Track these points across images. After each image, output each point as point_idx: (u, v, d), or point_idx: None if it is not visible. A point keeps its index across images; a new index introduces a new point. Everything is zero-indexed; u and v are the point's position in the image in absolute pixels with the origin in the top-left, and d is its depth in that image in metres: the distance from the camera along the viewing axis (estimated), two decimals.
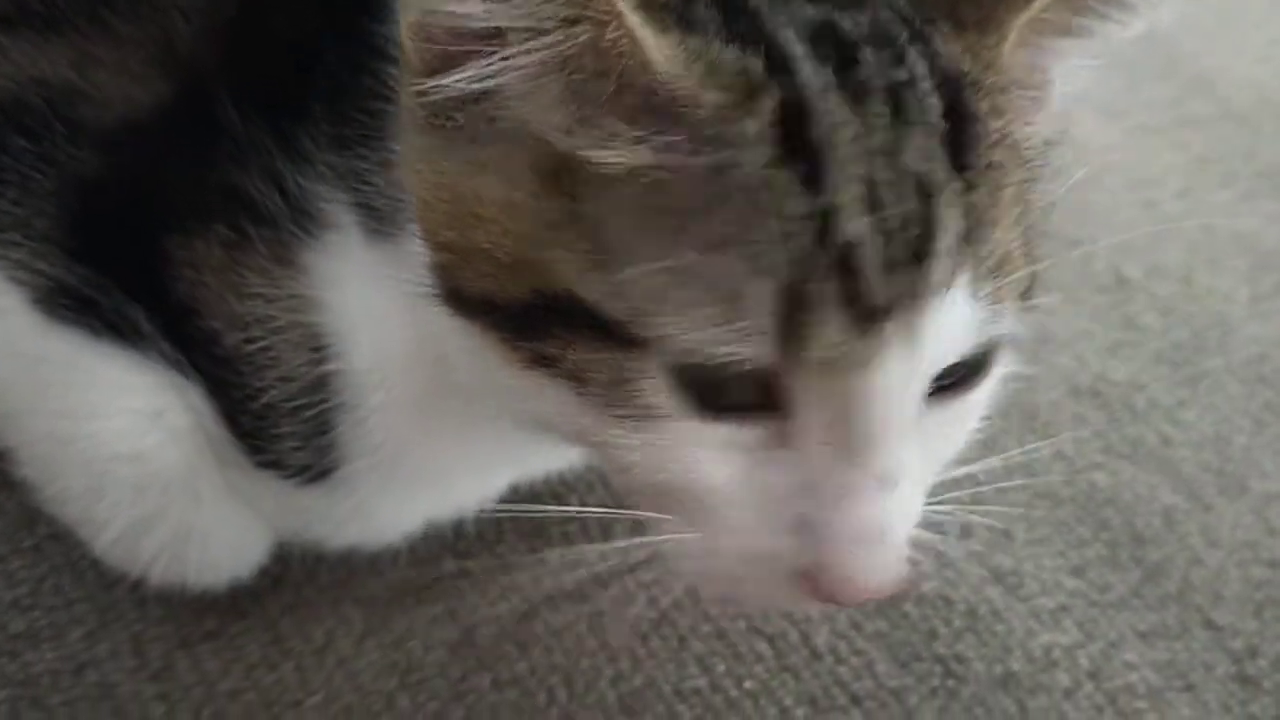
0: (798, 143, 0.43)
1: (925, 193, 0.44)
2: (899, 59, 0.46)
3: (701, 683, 0.74)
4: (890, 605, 0.79)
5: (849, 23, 0.47)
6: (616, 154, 0.44)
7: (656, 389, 0.46)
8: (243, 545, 0.69)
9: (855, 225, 0.43)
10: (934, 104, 0.45)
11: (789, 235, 0.43)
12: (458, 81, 0.45)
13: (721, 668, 0.75)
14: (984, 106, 0.46)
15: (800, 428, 0.46)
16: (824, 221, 0.43)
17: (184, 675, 0.69)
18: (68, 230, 0.61)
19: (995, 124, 0.46)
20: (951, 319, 0.45)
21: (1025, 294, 0.50)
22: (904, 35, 0.47)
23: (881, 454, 0.47)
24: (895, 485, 0.47)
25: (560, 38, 0.43)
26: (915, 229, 0.44)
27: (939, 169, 0.45)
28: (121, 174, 0.61)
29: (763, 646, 0.76)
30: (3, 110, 0.62)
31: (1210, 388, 0.96)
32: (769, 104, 0.44)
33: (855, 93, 0.44)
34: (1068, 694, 0.77)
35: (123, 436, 0.63)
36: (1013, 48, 0.47)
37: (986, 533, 0.84)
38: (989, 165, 0.46)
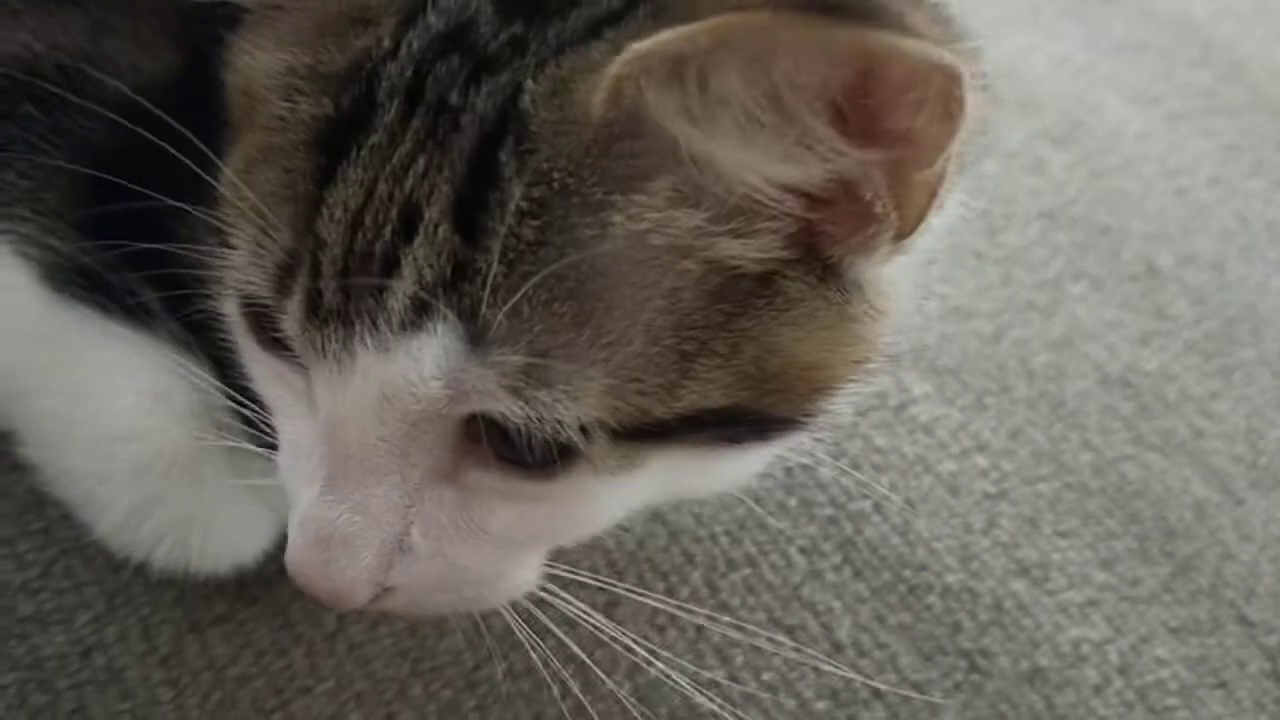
0: (331, 135, 0.44)
1: (409, 225, 0.42)
2: (471, 82, 0.43)
3: (719, 674, 0.72)
4: (914, 597, 0.78)
5: (483, 29, 0.44)
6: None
7: (233, 307, 0.49)
8: (249, 531, 0.67)
9: (326, 226, 0.43)
10: (462, 143, 0.42)
11: (297, 209, 0.44)
12: None
13: (740, 659, 0.73)
14: (523, 166, 0.41)
15: (314, 397, 0.46)
16: (316, 207, 0.43)
17: (193, 660, 0.68)
18: (78, 205, 0.60)
19: (535, 191, 0.41)
20: (420, 367, 0.42)
21: (636, 429, 0.44)
22: (507, 61, 0.43)
23: (335, 464, 0.46)
24: (358, 505, 0.46)
25: None
26: (380, 256, 0.42)
27: (432, 209, 0.42)
28: (130, 146, 0.60)
29: (783, 638, 0.74)
30: (13, 78, 0.61)
31: (1243, 379, 0.94)
32: (334, 97, 0.44)
33: (410, 101, 0.43)
34: (1097, 690, 0.75)
35: (127, 417, 0.62)
36: (605, 106, 0.40)
37: (1012, 524, 0.83)
38: (507, 234, 0.41)
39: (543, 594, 0.58)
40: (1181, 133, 1.16)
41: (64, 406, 0.64)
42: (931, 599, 0.78)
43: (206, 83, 0.56)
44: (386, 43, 0.44)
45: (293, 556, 0.48)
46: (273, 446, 0.58)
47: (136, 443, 0.62)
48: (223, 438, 0.63)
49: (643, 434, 0.45)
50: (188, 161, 0.56)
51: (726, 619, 0.75)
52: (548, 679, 0.69)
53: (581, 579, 0.61)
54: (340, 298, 0.43)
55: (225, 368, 0.60)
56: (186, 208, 0.57)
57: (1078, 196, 1.05)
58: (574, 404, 0.42)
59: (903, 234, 0.44)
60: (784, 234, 0.44)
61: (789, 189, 0.42)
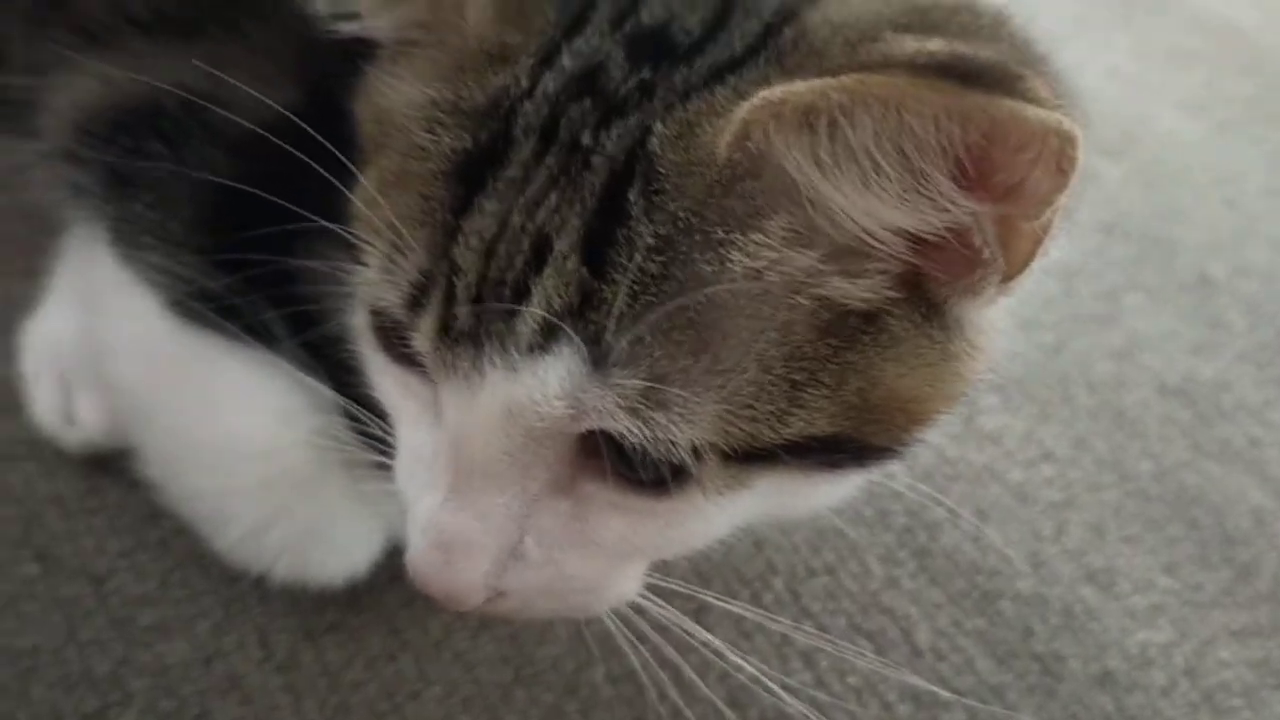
0: (469, 167, 0.47)
1: (540, 255, 0.45)
2: (603, 125, 0.45)
3: (806, 677, 0.76)
4: (987, 603, 0.81)
5: (613, 73, 0.46)
6: None
7: (364, 321, 0.52)
8: (361, 542, 0.70)
9: (462, 253, 0.46)
10: (593, 181, 0.45)
11: (433, 232, 0.47)
12: None
13: (824, 663, 0.76)
14: (650, 205, 0.44)
15: (441, 410, 0.49)
16: (452, 235, 0.46)
17: (309, 667, 0.71)
18: (203, 233, 0.63)
19: (661, 228, 0.44)
20: (545, 387, 0.44)
21: (745, 452, 0.47)
22: (636, 104, 0.45)
23: (459, 473, 0.48)
24: (480, 513, 0.48)
25: None
26: (512, 283, 0.45)
27: (563, 242, 0.44)
28: (254, 179, 0.63)
29: (864, 643, 0.78)
30: (140, 113, 0.64)
31: None
32: (473, 132, 0.47)
33: (544, 140, 0.46)
34: (1164, 692, 0.78)
35: (252, 436, 0.65)
36: (731, 148, 0.43)
37: (1080, 531, 0.86)
38: (634, 268, 0.43)
39: (638, 600, 0.60)
40: (1231, 142, 1.18)
41: (190, 426, 0.67)
42: (1004, 604, 0.81)
43: (328, 112, 0.59)
44: (524, 83, 0.47)
45: (414, 559, 0.51)
46: (386, 459, 0.61)
47: (262, 460, 0.65)
48: (341, 452, 0.65)
49: (751, 457, 0.47)
50: (316, 184, 0.59)
51: (809, 625, 0.78)
52: (646, 683, 0.73)
53: (672, 586, 0.64)
54: (472, 320, 0.46)
55: (341, 385, 0.63)
56: (311, 224, 0.61)
57: (1132, 209, 1.08)
58: (688, 426, 0.45)
59: (1008, 278, 0.46)
60: (892, 275, 0.46)
61: (903, 234, 0.45)
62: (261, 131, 0.62)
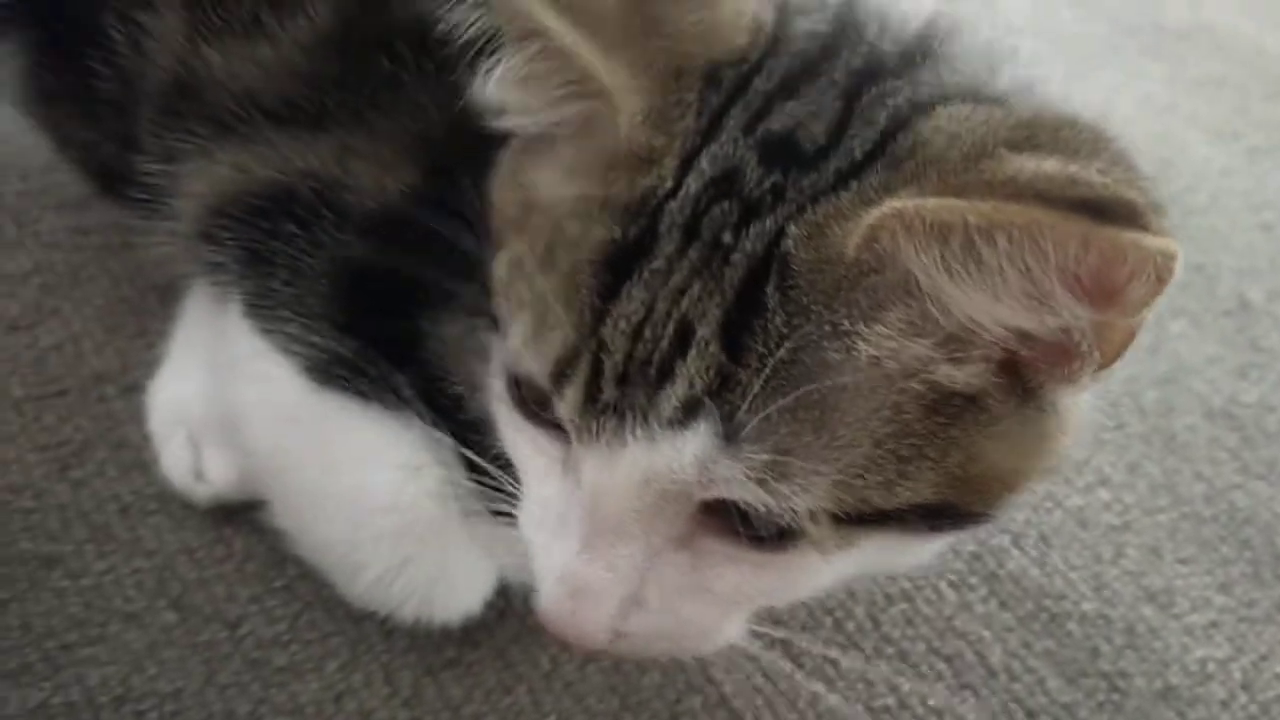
0: (618, 258, 0.51)
1: (684, 340, 0.49)
2: (741, 225, 0.50)
3: (890, 701, 0.81)
4: (1055, 624, 0.86)
5: (748, 176, 0.51)
6: None
7: (501, 383, 0.57)
8: (477, 583, 0.76)
9: (610, 335, 0.51)
10: (732, 276, 0.49)
11: (580, 313, 0.51)
12: None
13: (906, 687, 0.82)
14: (785, 299, 0.48)
15: (575, 467, 0.54)
16: (600, 318, 0.51)
17: (431, 701, 0.76)
18: (337, 305, 0.68)
19: (794, 320, 0.48)
20: (681, 457, 0.49)
21: (856, 516, 0.51)
22: (770, 207, 0.50)
23: (592, 528, 0.53)
24: (610, 564, 0.53)
25: None
26: (657, 363, 0.50)
27: (704, 329, 0.49)
28: (380, 255, 0.68)
29: (942, 666, 0.83)
30: (275, 199, 0.69)
31: None
32: (622, 226, 0.51)
33: (688, 236, 0.50)
34: (1224, 705, 0.84)
35: (385, 490, 0.70)
36: (858, 249, 0.47)
37: (1138, 553, 0.91)
38: (769, 354, 0.48)
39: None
40: (1263, 167, 1.23)
41: (324, 482, 0.72)
42: (1071, 626, 0.86)
43: (446, 190, 0.65)
44: (669, 183, 0.52)
45: (547, 606, 0.55)
46: (503, 508, 0.66)
47: (393, 513, 0.70)
48: (464, 504, 0.71)
49: (861, 520, 0.51)
50: (437, 256, 0.64)
51: (890, 649, 0.83)
52: (740, 709, 0.78)
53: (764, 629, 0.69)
54: (616, 394, 0.51)
55: (462, 439, 0.68)
56: (434, 292, 0.66)
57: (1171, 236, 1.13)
58: (807, 495, 0.49)
59: (1101, 368, 0.49)
60: (994, 362, 0.51)
61: (1013, 331, 0.49)
62: (386, 212, 0.68)
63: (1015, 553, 0.89)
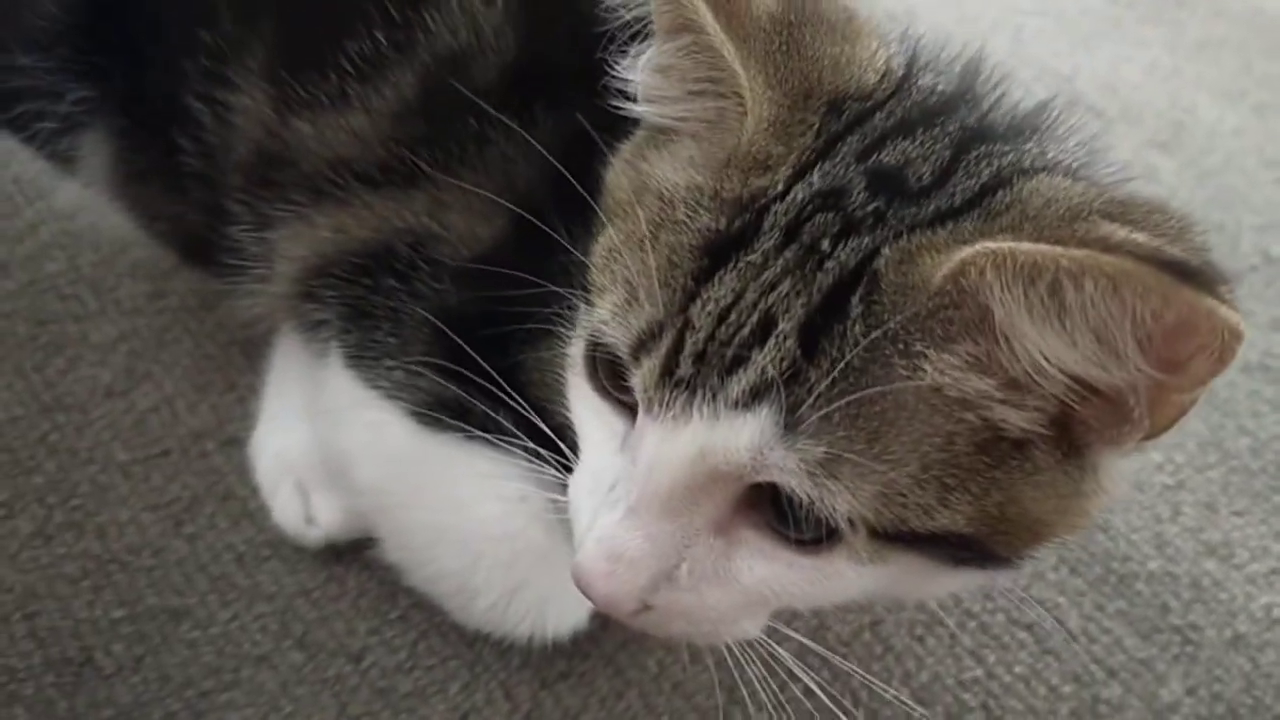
0: (718, 246, 0.55)
1: (765, 330, 0.53)
2: (840, 238, 0.53)
3: (978, 672, 0.85)
4: (1124, 585, 0.91)
5: (854, 197, 0.54)
6: None
7: (579, 350, 0.61)
8: (582, 598, 0.80)
9: (698, 314, 0.54)
10: (822, 281, 0.52)
11: (673, 291, 0.55)
12: None
13: (992, 657, 0.86)
14: (867, 311, 0.51)
15: (630, 441, 0.57)
16: (691, 297, 0.54)
17: (550, 713, 0.81)
18: (439, 352, 0.72)
19: (871, 331, 0.51)
20: (739, 438, 0.52)
21: (892, 532, 0.53)
22: (870, 228, 0.54)
23: (641, 498, 0.56)
24: (650, 535, 0.56)
25: None
26: (735, 347, 0.53)
27: (786, 324, 0.52)
28: (477, 301, 0.72)
29: (1023, 635, 0.87)
30: (375, 256, 0.73)
31: None
32: (728, 218, 0.55)
33: (787, 237, 0.54)
34: None
35: (496, 520, 0.75)
36: (945, 280, 0.50)
37: (1194, 510, 0.95)
38: (841, 358, 0.51)
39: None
40: (1272, 123, 1.27)
41: (436, 516, 0.76)
42: (1139, 585, 0.91)
43: (538, 237, 0.68)
44: (780, 187, 0.55)
45: (584, 563, 0.57)
46: None
47: (506, 541, 0.75)
48: (564, 523, 0.75)
49: (895, 538, 0.54)
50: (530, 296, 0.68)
51: (973, 623, 0.88)
52: (836, 693, 0.83)
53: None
54: (692, 371, 0.54)
55: (565, 470, 0.72)
56: (530, 330, 0.70)
57: (1190, 198, 1.17)
58: (851, 498, 0.51)
59: (1148, 438, 0.51)
60: (1049, 414, 0.52)
61: (1074, 380, 0.50)
62: (480, 259, 0.72)
63: None
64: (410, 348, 0.73)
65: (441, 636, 0.84)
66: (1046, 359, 0.50)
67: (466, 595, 0.78)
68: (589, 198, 0.64)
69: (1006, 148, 0.56)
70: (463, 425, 0.73)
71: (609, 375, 0.60)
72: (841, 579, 0.57)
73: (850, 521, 0.53)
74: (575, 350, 0.62)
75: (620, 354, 0.57)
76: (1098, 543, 0.92)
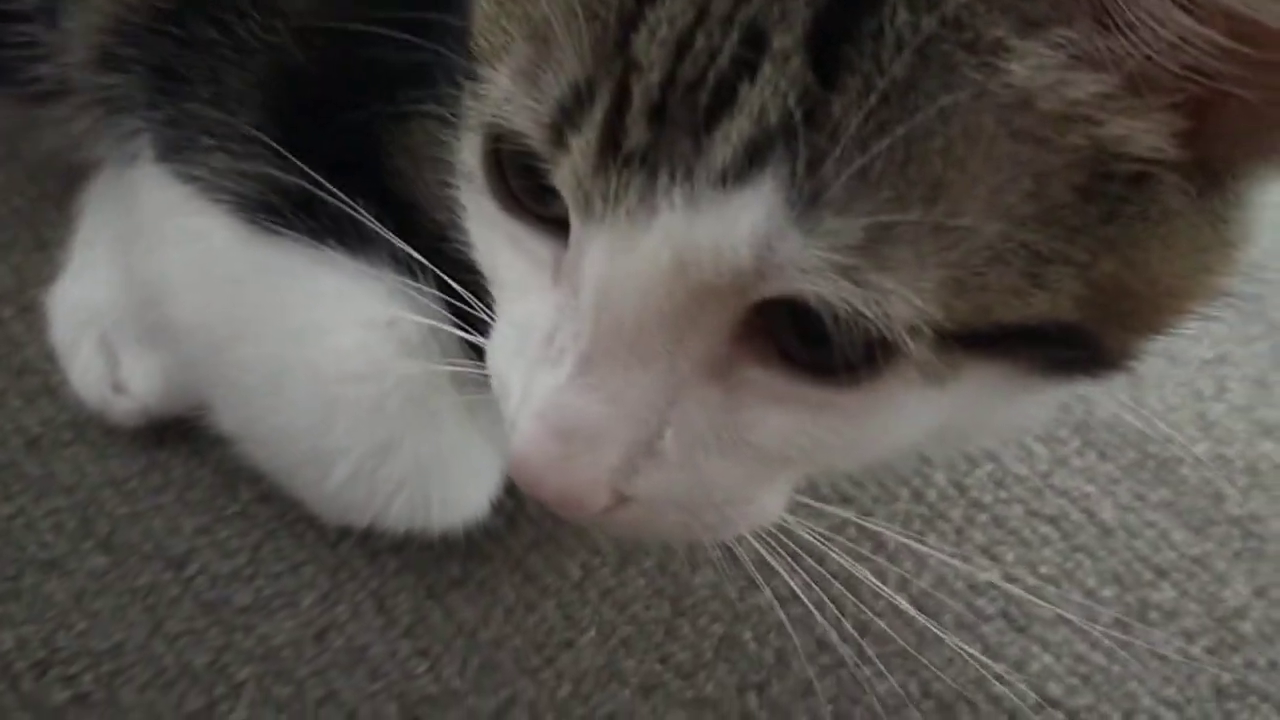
0: None
1: (753, 51, 0.34)
2: None
3: (994, 574, 0.67)
4: (1166, 471, 0.73)
5: None
6: None
7: (475, 153, 0.42)
8: (481, 477, 0.60)
9: (644, 49, 0.35)
10: None
11: (602, 25, 0.36)
12: None
13: (1010, 556, 0.68)
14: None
15: (565, 269, 0.39)
16: (630, 25, 0.35)
17: (439, 627, 0.61)
18: (275, 124, 0.53)
19: (922, 20, 0.33)
20: (734, 230, 0.34)
21: (969, 333, 0.37)
22: None
23: (596, 344, 0.38)
24: (614, 394, 0.38)
25: None
26: (707, 90, 0.34)
27: (784, 35, 0.34)
28: (327, 64, 0.54)
29: (1046, 529, 0.69)
30: (189, 1, 0.54)
31: None
32: None
33: None
34: None
35: (353, 352, 0.55)
36: None
37: (1241, 386, 0.78)
38: (879, 73, 0.33)
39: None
40: None
41: (274, 352, 0.56)
42: (1185, 471, 0.73)
43: None
44: None
45: (523, 448, 0.39)
46: None
47: (365, 382, 0.55)
48: (451, 367, 0.55)
49: (972, 342, 0.37)
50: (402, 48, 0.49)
51: (984, 516, 0.69)
52: (822, 599, 0.63)
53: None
54: (648, 137, 0.35)
55: (447, 289, 0.53)
56: (402, 102, 0.51)
57: None
58: (910, 294, 0.34)
59: None
60: (1180, 126, 0.35)
61: (1228, 37, 0.33)
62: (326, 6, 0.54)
63: (1104, 397, 0.75)
64: (235, 120, 0.54)
65: (294, 537, 0.64)
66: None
67: (319, 465, 0.58)
68: None
69: None
70: (305, 226, 0.53)
71: (522, 182, 0.40)
72: (894, 413, 0.39)
73: (912, 329, 0.35)
74: (468, 154, 0.43)
75: (534, 142, 0.38)
76: (1128, 424, 0.74)
